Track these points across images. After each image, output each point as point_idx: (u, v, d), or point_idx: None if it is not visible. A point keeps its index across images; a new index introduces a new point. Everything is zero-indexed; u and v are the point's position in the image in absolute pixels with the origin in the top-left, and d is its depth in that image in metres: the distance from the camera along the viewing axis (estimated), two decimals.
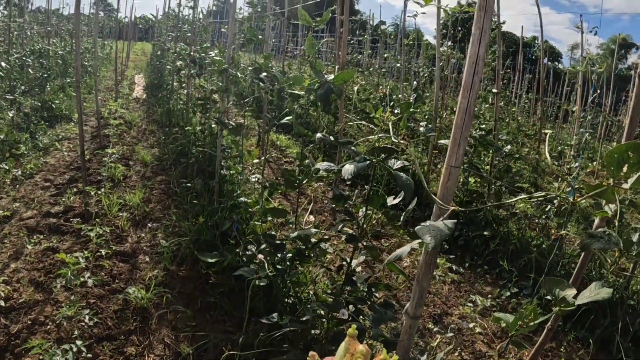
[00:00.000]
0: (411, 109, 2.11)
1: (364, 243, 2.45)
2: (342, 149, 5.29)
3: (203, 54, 5.83)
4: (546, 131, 1.95)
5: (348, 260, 2.61)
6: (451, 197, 1.91)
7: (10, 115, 7.61)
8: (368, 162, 2.03)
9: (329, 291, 3.73)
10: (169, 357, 3.58)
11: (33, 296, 3.99)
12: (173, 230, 5.25)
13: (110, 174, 6.59)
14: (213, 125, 6.15)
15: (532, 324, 1.86)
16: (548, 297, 1.95)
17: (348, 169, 1.98)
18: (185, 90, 7.59)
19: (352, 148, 2.22)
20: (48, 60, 10.94)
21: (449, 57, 11.59)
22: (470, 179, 6.74)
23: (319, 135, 2.44)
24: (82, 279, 4.18)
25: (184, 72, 8.26)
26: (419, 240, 1.78)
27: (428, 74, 12.75)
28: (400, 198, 2.32)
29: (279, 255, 3.05)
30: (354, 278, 2.58)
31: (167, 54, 11.18)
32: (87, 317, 3.76)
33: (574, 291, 1.87)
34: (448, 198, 1.89)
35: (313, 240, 2.88)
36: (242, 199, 4.43)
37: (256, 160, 4.88)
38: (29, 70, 10.04)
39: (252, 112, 11.16)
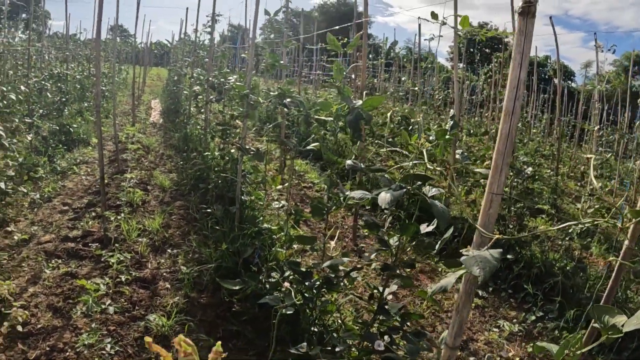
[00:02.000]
0: (447, 136, 2.06)
1: (398, 272, 2.38)
2: (361, 174, 5.24)
3: (222, 79, 5.85)
4: (589, 156, 1.88)
5: (380, 288, 2.54)
6: (493, 225, 1.84)
7: (29, 138, 7.68)
8: (404, 190, 1.98)
9: (354, 320, 3.65)
10: None
11: (51, 322, 3.95)
12: (193, 256, 5.20)
13: (129, 198, 6.60)
14: (232, 151, 6.15)
15: (578, 352, 1.78)
16: (571, 321, 1.86)
17: (384, 197, 1.93)
18: (204, 116, 7.62)
19: (385, 175, 2.17)
20: (66, 85, 11.09)
21: (463, 79, 11.59)
22: None
23: (349, 162, 2.40)
24: (102, 306, 4.13)
25: (201, 97, 8.31)
26: (463, 271, 1.71)
27: (443, 97, 12.75)
28: (434, 226, 2.26)
29: (307, 283, 2.98)
30: (386, 307, 2.50)
31: (184, 79, 11.30)
32: (108, 345, 3.70)
33: (624, 318, 1.79)
34: (490, 226, 1.83)
35: (341, 268, 2.82)
36: (266, 225, 4.38)
37: (279, 187, 4.84)
38: (47, 94, 10.19)
39: (272, 138, 11.19)
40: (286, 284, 3.15)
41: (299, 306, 3.05)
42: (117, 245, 5.25)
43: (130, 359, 3.65)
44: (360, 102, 2.56)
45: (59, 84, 10.80)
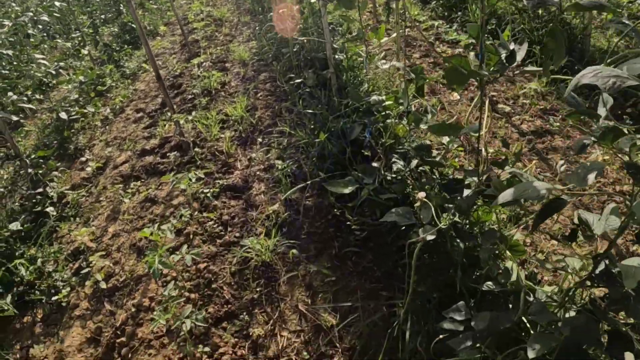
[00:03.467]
0: None
1: None
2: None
3: None
4: None
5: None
6: None
7: (85, 51, 6.77)
8: None
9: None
10: (307, 334, 2.57)
11: (135, 269, 3.19)
12: (289, 143, 4.07)
13: (204, 85, 5.52)
14: (312, 1, 4.63)
15: None
16: None
17: None
18: None
19: None
20: None
21: None
22: None
23: None
24: (189, 235, 3.28)
25: None
26: None
27: None
28: None
29: (457, 197, 1.69)
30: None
31: None
32: (198, 292, 2.86)
33: None
34: None
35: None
36: (375, 97, 3.01)
37: (384, 39, 3.33)
38: None
39: None
40: (421, 195, 1.87)
41: (445, 230, 1.80)
42: (197, 149, 4.29)
43: (227, 305, 2.79)
44: None
45: None
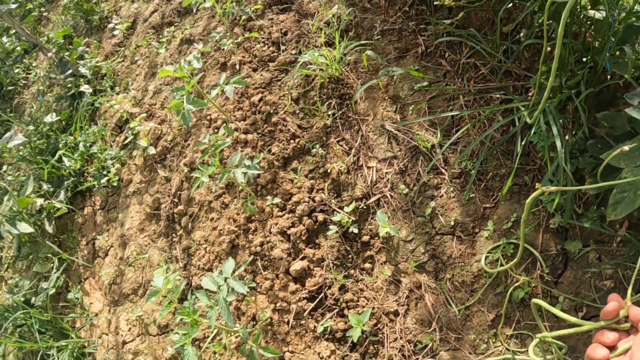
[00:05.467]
0: None
1: None
2: None
3: None
4: None
5: None
6: None
7: None
8: None
9: None
10: (401, 160, 1.86)
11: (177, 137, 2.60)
12: None
13: None
14: None
15: None
16: None
17: None
18: None
19: None
20: None
21: None
22: None
23: None
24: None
25: None
26: None
27: None
28: None
29: None
30: None
31: None
32: (256, 131, 2.20)
33: None
34: None
35: None
36: None
37: None
38: None
39: None
40: None
41: None
42: None
43: (295, 140, 2.11)
44: None
45: None
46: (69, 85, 3.51)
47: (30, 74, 4.19)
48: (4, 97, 4.32)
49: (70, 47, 3.93)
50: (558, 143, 1.47)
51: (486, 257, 1.72)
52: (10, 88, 4.26)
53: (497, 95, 1.88)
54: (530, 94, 1.85)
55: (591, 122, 1.56)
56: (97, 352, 2.44)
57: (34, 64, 4.29)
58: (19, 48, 4.27)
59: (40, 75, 3.99)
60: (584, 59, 1.61)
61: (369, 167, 1.96)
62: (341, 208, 1.94)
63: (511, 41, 1.88)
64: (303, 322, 1.83)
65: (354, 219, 1.91)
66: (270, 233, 1.93)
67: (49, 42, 3.96)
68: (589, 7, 1.55)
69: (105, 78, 3.47)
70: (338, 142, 2.03)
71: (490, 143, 1.78)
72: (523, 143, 1.66)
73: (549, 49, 1.62)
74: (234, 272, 1.46)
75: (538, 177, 1.73)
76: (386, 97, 2.10)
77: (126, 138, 2.82)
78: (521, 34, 1.89)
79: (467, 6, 2.00)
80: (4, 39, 4.50)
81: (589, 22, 1.61)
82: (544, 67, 1.56)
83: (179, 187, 2.32)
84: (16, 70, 4.26)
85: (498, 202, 1.78)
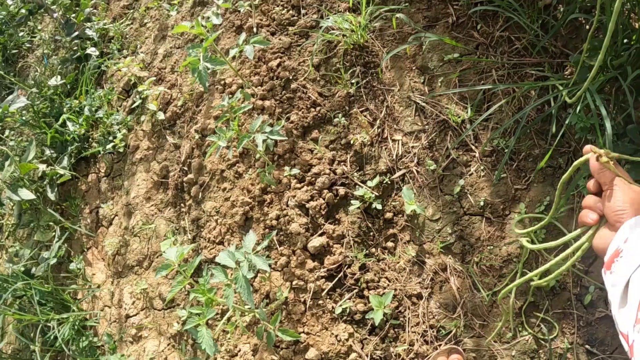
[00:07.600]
0: None
1: None
2: None
3: None
4: None
5: None
6: None
7: None
8: None
9: None
10: (429, 134, 1.73)
11: (194, 87, 2.46)
12: None
13: None
14: None
15: None
16: None
17: None
18: None
19: None
20: None
21: None
22: None
23: None
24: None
25: None
26: None
27: None
28: None
29: None
30: None
31: None
32: (274, 97, 2.06)
33: None
34: None
35: None
36: None
37: None
38: None
39: None
40: None
41: None
42: None
43: (316, 109, 1.97)
44: None
45: None
46: (75, 48, 3.36)
47: (35, 37, 4.04)
48: (8, 61, 4.17)
49: (77, 8, 3.77)
50: (607, 125, 1.34)
51: (517, 239, 1.60)
52: (14, 52, 4.11)
53: (532, 72, 1.73)
54: (567, 72, 1.70)
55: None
56: (99, 326, 2.35)
57: (39, 27, 4.13)
58: (23, 10, 4.10)
59: (45, 38, 3.83)
60: (626, 41, 1.47)
61: (394, 140, 1.82)
62: (364, 182, 1.81)
63: (550, 15, 1.73)
64: (320, 302, 1.72)
65: (377, 194, 1.79)
66: (288, 206, 1.81)
67: (54, 3, 3.79)
68: None
69: (112, 41, 3.32)
70: (362, 112, 1.90)
71: (525, 122, 1.64)
72: (561, 124, 1.53)
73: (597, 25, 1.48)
74: (254, 247, 1.33)
75: (572, 159, 1.60)
76: (414, 68, 1.96)
77: (134, 102, 2.68)
78: (560, 9, 1.74)
79: None
80: (9, 1, 4.34)
81: (634, 1, 1.46)
82: (588, 44, 1.42)
83: (189, 154, 2.19)
84: (20, 34, 4.11)
85: (530, 184, 1.65)
